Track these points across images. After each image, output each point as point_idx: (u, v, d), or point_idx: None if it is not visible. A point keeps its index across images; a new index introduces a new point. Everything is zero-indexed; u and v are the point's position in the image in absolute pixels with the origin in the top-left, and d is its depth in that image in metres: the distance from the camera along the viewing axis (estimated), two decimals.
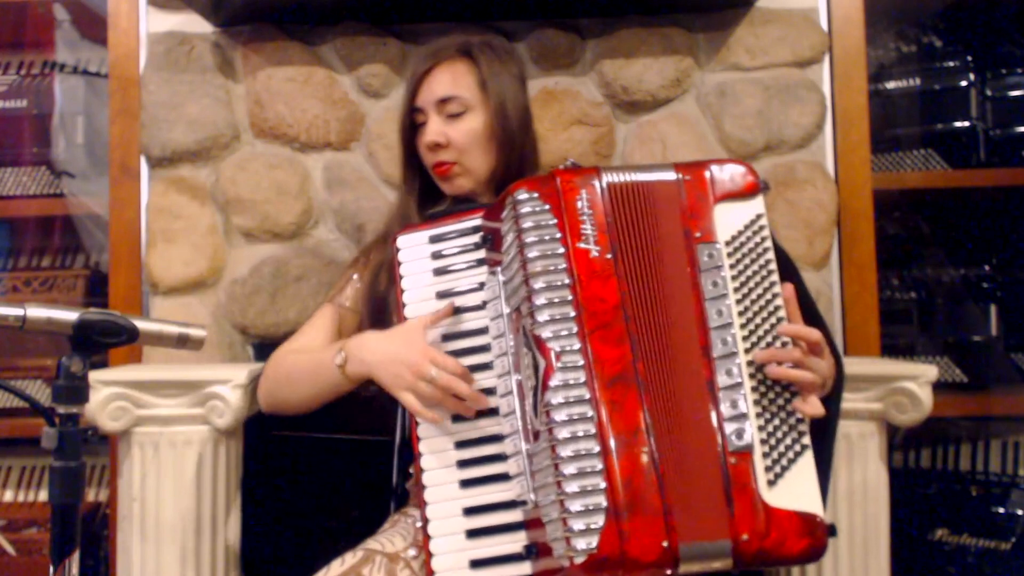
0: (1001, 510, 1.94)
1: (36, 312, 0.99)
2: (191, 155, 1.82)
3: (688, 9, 1.84)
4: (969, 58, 2.07)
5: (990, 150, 2.05)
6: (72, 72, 2.17)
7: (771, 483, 1.04)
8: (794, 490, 1.04)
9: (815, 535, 1.03)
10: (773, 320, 1.10)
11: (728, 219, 1.12)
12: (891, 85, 2.12)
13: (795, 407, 1.07)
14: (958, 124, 2.05)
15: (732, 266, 1.10)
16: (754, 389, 1.07)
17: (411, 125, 1.44)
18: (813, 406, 1.07)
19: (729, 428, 1.04)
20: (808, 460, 1.06)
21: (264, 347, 1.82)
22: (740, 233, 1.12)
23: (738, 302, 1.09)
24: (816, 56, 1.86)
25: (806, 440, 1.07)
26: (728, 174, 1.14)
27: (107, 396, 1.52)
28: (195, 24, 1.84)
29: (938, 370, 1.59)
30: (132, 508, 1.54)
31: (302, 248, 1.83)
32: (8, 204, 2.09)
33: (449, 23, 1.83)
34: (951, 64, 2.08)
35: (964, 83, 2.06)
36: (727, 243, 1.11)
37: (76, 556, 0.98)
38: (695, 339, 1.08)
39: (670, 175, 1.15)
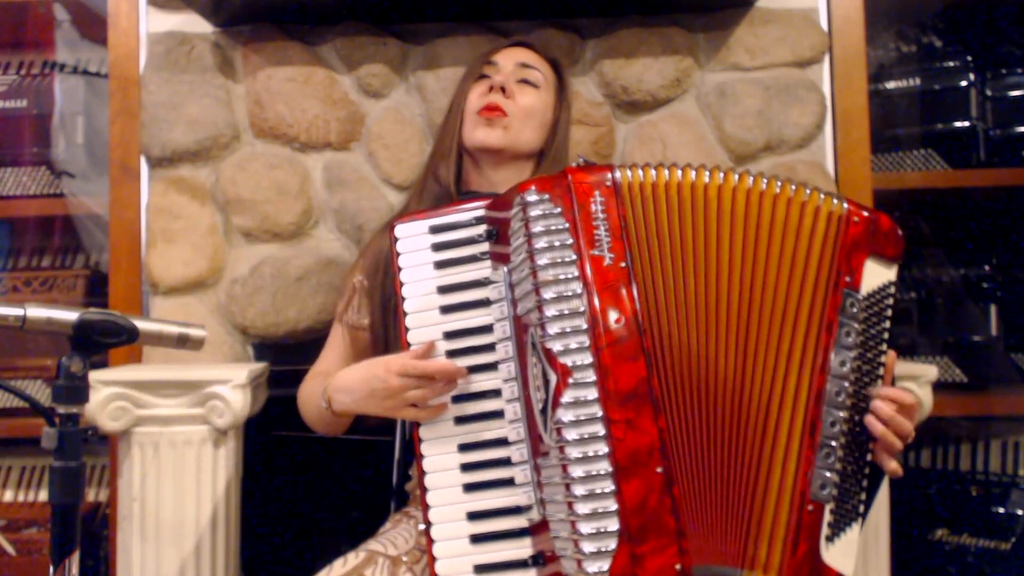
0: (1001, 510, 1.94)
1: (36, 312, 0.99)
2: (191, 155, 1.82)
3: (688, 9, 1.84)
4: (969, 58, 2.07)
5: (990, 150, 2.05)
6: (72, 72, 2.17)
7: (828, 539, 1.04)
8: (843, 552, 1.05)
9: None
10: (873, 388, 1.08)
11: (870, 276, 1.09)
12: (891, 85, 2.12)
13: (879, 461, 1.08)
14: (958, 124, 2.05)
15: (860, 322, 1.07)
16: (842, 447, 1.06)
17: (475, 77, 1.46)
18: (895, 466, 1.08)
19: (817, 476, 1.04)
20: (858, 527, 1.07)
21: (264, 347, 1.82)
22: (874, 293, 1.09)
23: (853, 359, 1.07)
24: (816, 56, 1.86)
25: (862, 508, 1.07)
26: (888, 232, 1.10)
27: (107, 396, 1.52)
28: (195, 24, 1.84)
29: (938, 370, 1.60)
30: (132, 508, 1.54)
31: (302, 248, 1.83)
32: (8, 204, 2.09)
33: (449, 23, 1.83)
34: (951, 64, 2.08)
35: (964, 83, 2.06)
36: (864, 298, 1.08)
37: (76, 556, 0.98)
38: (808, 380, 1.05)
39: (841, 205, 1.09)
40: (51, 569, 0.97)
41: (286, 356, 1.80)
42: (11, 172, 2.09)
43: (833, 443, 1.04)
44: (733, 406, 1.05)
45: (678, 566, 0.99)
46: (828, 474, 1.04)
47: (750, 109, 1.82)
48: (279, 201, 1.80)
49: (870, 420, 1.06)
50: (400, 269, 1.17)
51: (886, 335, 1.09)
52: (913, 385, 1.53)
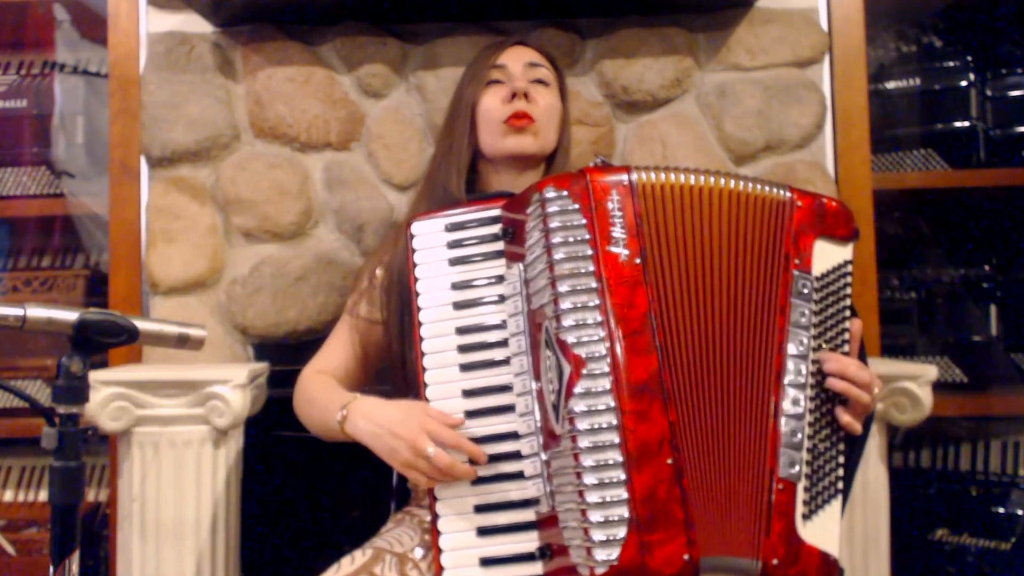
0: (1001, 510, 1.94)
1: (36, 312, 0.99)
2: (191, 155, 1.82)
3: (688, 9, 1.84)
4: (969, 58, 2.07)
5: (990, 150, 2.05)
6: (72, 72, 2.17)
7: (806, 517, 1.05)
8: (823, 529, 1.06)
9: None
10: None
11: (823, 257, 1.12)
12: (891, 85, 2.12)
13: (838, 414, 1.09)
14: (958, 124, 2.05)
15: (816, 302, 1.10)
16: (810, 424, 1.07)
17: (485, 82, 1.43)
18: (855, 424, 1.09)
19: (784, 455, 1.05)
20: (838, 504, 1.08)
21: (264, 347, 1.82)
22: (829, 273, 1.12)
23: (813, 338, 1.09)
24: (816, 56, 1.86)
25: (840, 485, 1.08)
26: (836, 213, 1.14)
27: (107, 396, 1.52)
28: (195, 24, 1.84)
29: (938, 370, 1.60)
30: (132, 508, 1.54)
31: (302, 248, 1.83)
32: (8, 204, 2.09)
33: (449, 23, 1.83)
34: (951, 64, 2.08)
35: (964, 83, 2.06)
36: (817, 279, 1.11)
37: (76, 556, 0.98)
38: (770, 361, 1.08)
39: (783, 194, 1.14)
40: (51, 569, 0.97)
41: (286, 356, 1.80)
42: (11, 172, 2.09)
43: (800, 421, 1.06)
44: (730, 397, 1.07)
45: (686, 556, 0.99)
46: (796, 452, 1.05)
47: (750, 109, 1.82)
48: (279, 201, 1.80)
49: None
50: (415, 265, 1.17)
51: (847, 312, 1.13)
52: (913, 385, 1.53)
